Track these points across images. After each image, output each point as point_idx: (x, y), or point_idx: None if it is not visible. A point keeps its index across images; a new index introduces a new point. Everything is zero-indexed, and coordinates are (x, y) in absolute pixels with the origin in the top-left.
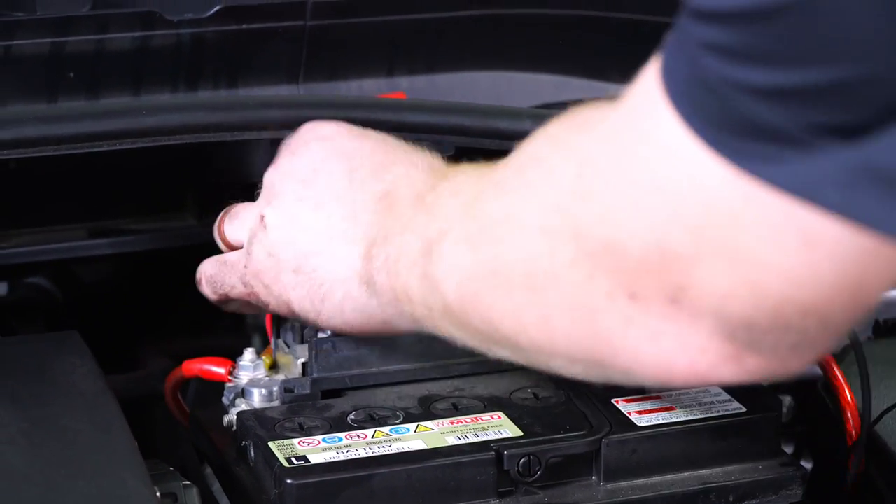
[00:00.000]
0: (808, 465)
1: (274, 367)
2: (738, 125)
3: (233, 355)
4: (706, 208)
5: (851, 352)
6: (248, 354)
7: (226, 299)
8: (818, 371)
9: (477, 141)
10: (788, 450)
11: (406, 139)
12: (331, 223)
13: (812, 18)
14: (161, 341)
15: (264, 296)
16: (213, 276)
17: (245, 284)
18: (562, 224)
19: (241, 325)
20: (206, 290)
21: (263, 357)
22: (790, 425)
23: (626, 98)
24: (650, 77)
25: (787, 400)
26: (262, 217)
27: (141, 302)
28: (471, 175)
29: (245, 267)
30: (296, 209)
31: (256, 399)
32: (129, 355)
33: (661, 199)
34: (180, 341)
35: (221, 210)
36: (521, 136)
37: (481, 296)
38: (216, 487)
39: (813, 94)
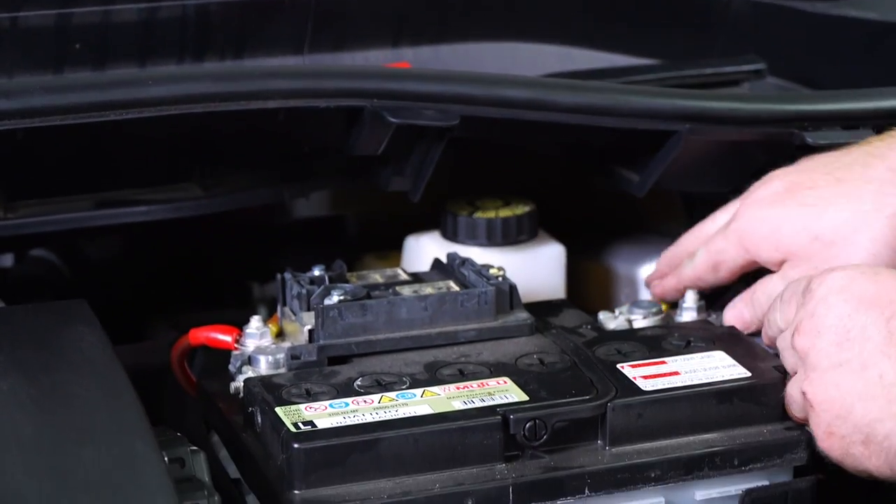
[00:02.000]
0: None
1: (280, 334)
2: None
3: (240, 325)
4: None
5: None
6: (255, 322)
7: None
8: None
9: (483, 110)
10: None
11: (413, 108)
12: (884, 384)
13: None
14: (168, 313)
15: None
16: None
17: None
18: None
19: (248, 296)
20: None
21: (270, 325)
22: None
23: None
24: None
25: None
26: (804, 394)
27: (147, 274)
28: None
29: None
30: (838, 378)
31: (263, 366)
32: (136, 327)
33: None
34: (187, 313)
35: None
36: (527, 104)
37: None
38: (223, 454)
39: None
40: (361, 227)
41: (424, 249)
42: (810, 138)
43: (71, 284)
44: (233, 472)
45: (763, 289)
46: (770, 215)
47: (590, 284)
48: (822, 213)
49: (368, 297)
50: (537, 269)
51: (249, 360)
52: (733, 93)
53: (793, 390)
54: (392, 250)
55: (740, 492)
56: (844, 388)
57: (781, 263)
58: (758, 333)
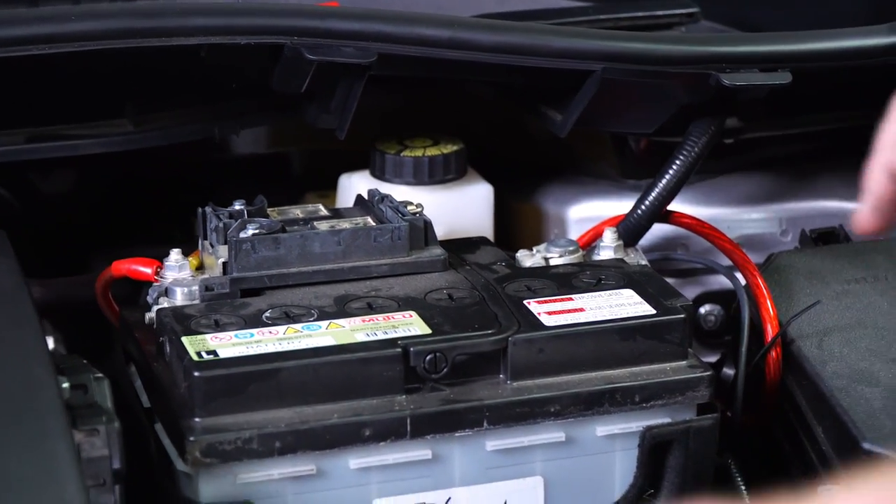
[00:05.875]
0: (731, 371)
1: (200, 267)
2: None
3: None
4: None
5: (773, 261)
6: (174, 255)
7: None
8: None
9: (401, 48)
10: (714, 358)
11: (332, 45)
12: None
13: None
14: (107, 246)
15: None
16: None
17: None
18: None
19: (192, 232)
20: None
21: (189, 258)
22: (718, 334)
23: None
24: None
25: (715, 309)
26: None
27: (95, 209)
28: None
29: None
30: None
31: (179, 297)
32: (74, 259)
33: None
34: (129, 246)
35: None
36: (445, 43)
37: None
38: (139, 384)
39: None
40: (305, 164)
41: (356, 187)
42: (727, 80)
43: (9, 217)
44: (146, 400)
45: None
46: None
47: (520, 224)
48: None
49: (283, 230)
50: (465, 207)
51: (166, 292)
52: (652, 35)
53: None
54: (333, 189)
55: (641, 428)
56: None
57: None
58: None
